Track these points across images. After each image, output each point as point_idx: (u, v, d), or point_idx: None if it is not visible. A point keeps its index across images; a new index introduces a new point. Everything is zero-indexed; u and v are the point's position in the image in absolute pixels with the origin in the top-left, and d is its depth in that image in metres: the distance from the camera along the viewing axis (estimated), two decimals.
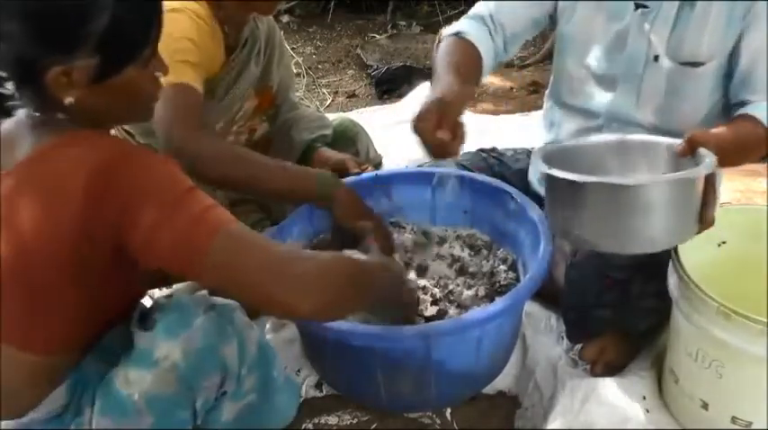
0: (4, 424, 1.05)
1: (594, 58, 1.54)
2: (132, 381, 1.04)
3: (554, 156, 1.27)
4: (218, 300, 1.13)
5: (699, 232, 1.19)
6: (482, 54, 1.54)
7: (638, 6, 1.45)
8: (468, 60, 1.51)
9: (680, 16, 1.42)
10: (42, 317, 1.02)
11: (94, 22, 0.96)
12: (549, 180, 1.23)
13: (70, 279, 1.00)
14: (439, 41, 1.60)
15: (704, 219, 1.16)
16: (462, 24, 1.59)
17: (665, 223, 1.14)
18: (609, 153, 1.35)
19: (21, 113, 1.05)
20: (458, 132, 1.23)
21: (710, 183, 1.15)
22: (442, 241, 1.70)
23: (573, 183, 1.12)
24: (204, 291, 1.15)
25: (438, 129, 1.20)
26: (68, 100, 0.98)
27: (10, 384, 1.04)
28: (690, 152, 1.18)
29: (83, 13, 0.95)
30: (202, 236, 0.95)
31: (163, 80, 1.46)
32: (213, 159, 1.43)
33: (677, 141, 1.22)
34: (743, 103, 1.38)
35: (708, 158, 1.14)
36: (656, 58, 1.45)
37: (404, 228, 1.73)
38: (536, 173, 1.64)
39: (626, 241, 1.15)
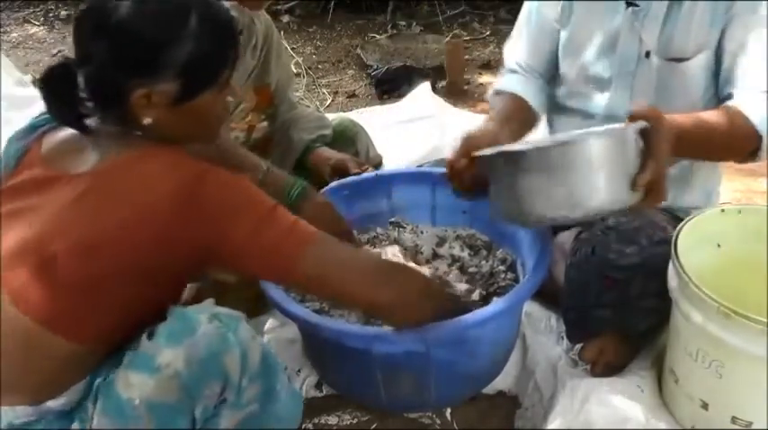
0: (22, 410, 1.05)
1: (588, 59, 1.55)
2: (134, 386, 1.04)
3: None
4: (223, 309, 1.13)
5: (645, 204, 1.15)
6: (523, 95, 1.61)
7: (629, 5, 1.47)
8: (506, 107, 1.59)
9: (669, 13, 1.43)
10: (92, 309, 1.06)
11: (179, 50, 1.05)
12: (489, 168, 1.24)
13: (132, 283, 1.06)
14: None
15: (637, 182, 1.11)
16: (501, 83, 1.68)
17: (588, 185, 1.10)
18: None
19: (70, 130, 1.12)
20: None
21: (650, 151, 1.12)
22: (441, 241, 1.70)
23: (501, 156, 1.17)
24: (210, 300, 1.16)
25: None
26: (147, 120, 1.07)
27: (40, 368, 1.05)
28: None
29: (168, 40, 1.05)
30: (294, 245, 1.08)
31: None
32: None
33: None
34: (728, 97, 1.37)
35: (639, 122, 1.13)
36: (648, 54, 1.46)
37: (404, 227, 1.73)
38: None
39: (549, 206, 1.12)
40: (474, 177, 1.32)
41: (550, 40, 1.62)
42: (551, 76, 1.66)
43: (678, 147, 1.16)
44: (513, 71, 1.67)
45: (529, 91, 1.63)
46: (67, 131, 1.13)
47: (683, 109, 1.35)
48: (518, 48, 1.67)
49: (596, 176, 1.09)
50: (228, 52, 1.12)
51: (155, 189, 1.03)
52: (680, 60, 1.44)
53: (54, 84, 1.09)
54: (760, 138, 1.29)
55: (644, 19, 1.45)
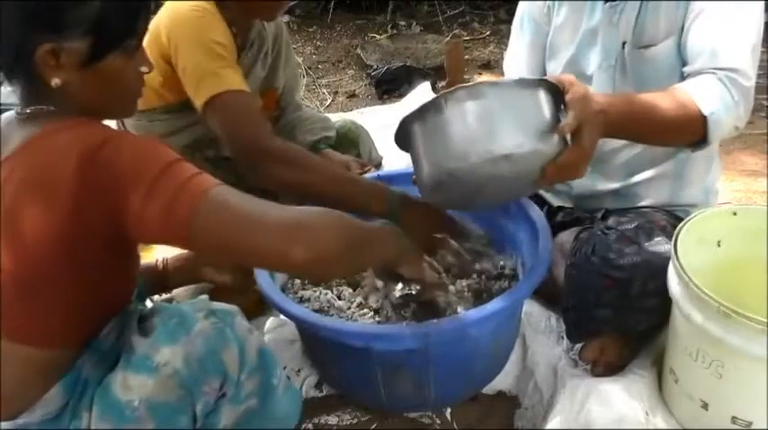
0: (3, 425, 1.05)
1: (572, 56, 1.57)
2: (132, 387, 1.03)
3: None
4: (219, 305, 1.12)
5: (565, 158, 1.15)
6: None
7: (607, 0, 1.48)
8: None
9: (643, 4, 1.44)
10: (40, 308, 1.02)
11: (86, 7, 1.00)
12: (405, 130, 1.23)
13: (67, 269, 1.00)
14: None
15: (559, 129, 1.13)
16: None
17: (477, 131, 1.11)
18: None
19: (9, 113, 1.07)
20: None
21: (567, 105, 1.14)
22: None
23: (410, 120, 1.18)
24: (204, 296, 1.15)
25: None
26: (55, 81, 1.00)
27: (7, 379, 1.03)
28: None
29: None
30: (186, 203, 0.96)
31: (209, 91, 1.47)
32: (288, 162, 1.43)
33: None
34: (683, 77, 1.37)
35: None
36: (624, 44, 1.48)
37: None
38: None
39: (452, 155, 1.13)
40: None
41: (542, 51, 1.64)
42: None
43: (620, 127, 1.18)
44: None
45: None
46: None
47: None
48: (515, 59, 1.69)
49: (490, 121, 1.11)
50: (138, 13, 1.07)
51: (63, 162, 0.97)
52: (648, 47, 1.44)
53: None
54: (704, 118, 1.27)
55: (621, 12, 1.46)
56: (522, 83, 1.16)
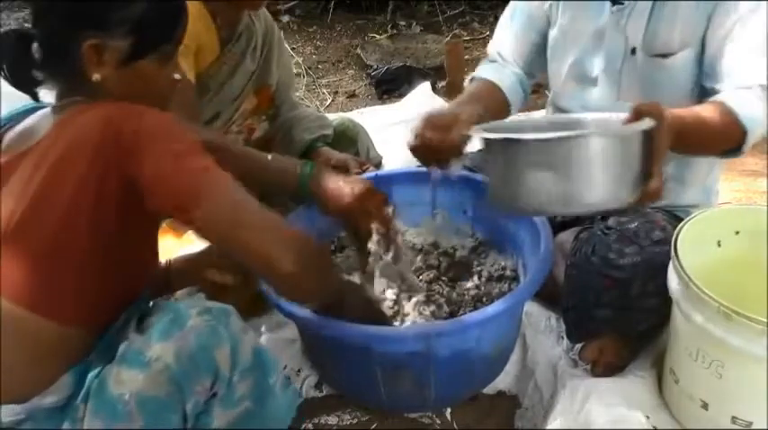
0: (10, 409, 1.05)
1: (576, 58, 1.56)
2: (124, 381, 1.04)
3: (497, 129, 1.26)
4: (214, 303, 1.13)
5: (639, 204, 1.15)
6: (496, 82, 1.64)
7: (614, 3, 1.48)
8: (477, 90, 1.64)
9: (654, 9, 1.44)
10: (63, 282, 1.06)
11: (132, 8, 1.09)
12: (485, 150, 1.23)
13: (88, 239, 1.05)
14: None
15: (645, 190, 1.12)
16: (477, 71, 1.71)
17: (590, 181, 1.08)
18: (554, 128, 1.29)
19: (44, 110, 1.14)
20: (451, 143, 1.33)
21: (653, 151, 1.12)
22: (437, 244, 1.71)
23: (500, 143, 1.15)
24: (201, 294, 1.15)
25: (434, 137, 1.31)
26: (96, 76, 1.09)
27: (19, 354, 1.05)
28: (635, 121, 1.14)
29: None
30: (202, 185, 1.04)
31: None
32: (208, 148, 1.43)
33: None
34: (713, 92, 1.37)
35: (645, 121, 1.11)
36: (633, 50, 1.47)
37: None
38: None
39: (548, 200, 1.11)
40: (441, 152, 1.36)
41: (537, 31, 1.64)
42: (533, 69, 1.69)
43: (675, 143, 1.16)
44: (493, 61, 1.70)
45: (504, 79, 1.65)
46: (26, 121, 1.15)
47: (670, 103, 1.36)
48: (501, 38, 1.70)
49: (597, 173, 1.08)
50: (178, 20, 1.16)
51: (85, 130, 1.05)
52: (665, 56, 1.44)
53: (7, 47, 1.11)
54: (744, 134, 1.29)
55: (629, 16, 1.46)
56: (628, 132, 1.12)
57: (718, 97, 1.33)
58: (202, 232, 1.14)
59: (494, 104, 1.61)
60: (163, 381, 1.04)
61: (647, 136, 1.11)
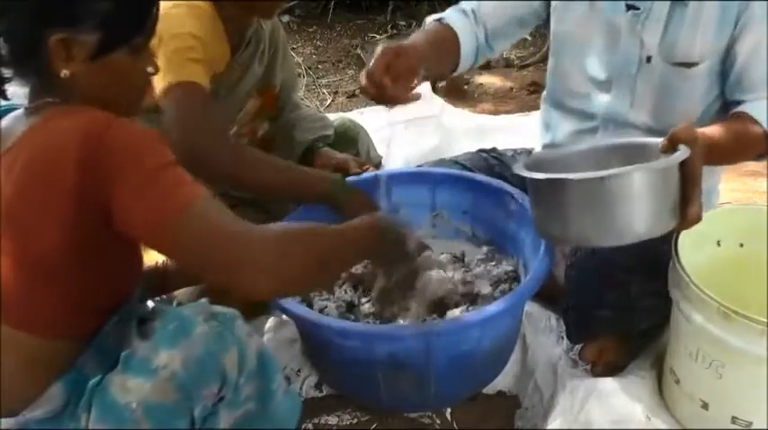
0: (3, 423, 1.04)
1: (589, 59, 1.55)
2: (130, 389, 1.03)
3: (541, 162, 1.30)
4: (219, 308, 1.12)
5: (682, 228, 1.19)
6: (459, 37, 1.58)
7: (629, 8, 1.45)
8: (439, 33, 1.58)
9: (672, 17, 1.42)
10: (45, 295, 1.03)
11: (98, 1, 1.04)
12: (530, 184, 1.26)
13: (71, 253, 1.02)
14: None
15: (686, 215, 1.14)
16: (445, 13, 1.64)
17: (636, 214, 1.13)
18: (597, 157, 1.35)
19: (18, 112, 1.10)
20: (404, 79, 1.33)
21: (690, 177, 1.13)
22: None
23: (545, 181, 1.19)
24: (205, 300, 1.15)
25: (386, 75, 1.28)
26: (64, 72, 1.03)
27: (8, 369, 1.03)
28: (671, 148, 1.16)
29: None
30: (171, 211, 0.98)
31: (171, 78, 1.47)
32: (230, 160, 1.45)
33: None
34: (738, 103, 1.38)
35: (680, 150, 1.14)
36: (649, 59, 1.46)
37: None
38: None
39: (597, 234, 1.16)
40: (394, 89, 1.34)
41: (525, 11, 1.61)
42: (497, 42, 1.65)
43: (705, 161, 1.17)
44: (463, 11, 1.63)
45: (466, 34, 1.60)
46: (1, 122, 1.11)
47: (684, 112, 1.37)
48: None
49: (641, 207, 1.13)
50: (148, 11, 1.11)
51: (65, 145, 1.00)
52: (687, 65, 1.43)
53: None
54: None
55: (645, 22, 1.44)
56: (666, 165, 1.14)
57: (742, 109, 1.34)
58: (175, 258, 1.12)
59: (448, 52, 1.58)
60: (171, 389, 1.03)
61: (683, 161, 1.14)
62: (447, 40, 1.58)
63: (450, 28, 1.58)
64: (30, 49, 1.04)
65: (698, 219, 1.16)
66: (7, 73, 1.08)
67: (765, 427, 1.21)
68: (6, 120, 1.10)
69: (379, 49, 1.34)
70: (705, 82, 1.44)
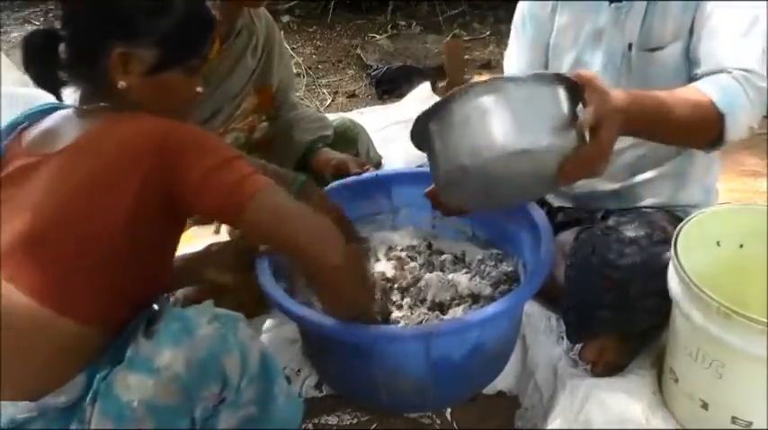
0: (24, 406, 1.04)
1: (575, 57, 1.56)
2: (132, 388, 1.04)
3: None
4: (222, 310, 1.13)
5: (583, 151, 1.11)
6: None
7: (612, 1, 1.47)
8: None
9: (649, 5, 1.44)
10: (86, 282, 1.08)
11: (163, 20, 1.12)
12: (420, 127, 1.20)
13: (123, 247, 1.08)
14: None
15: (578, 124, 1.10)
16: None
17: (498, 126, 1.08)
18: None
19: (67, 110, 1.17)
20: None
21: (586, 101, 1.11)
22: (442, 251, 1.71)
23: (425, 116, 1.16)
24: (209, 301, 1.15)
25: None
26: (121, 83, 1.11)
27: (43, 354, 1.05)
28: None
29: (156, 8, 1.12)
30: (247, 190, 1.08)
31: None
32: None
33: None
34: (693, 78, 1.35)
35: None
36: (630, 46, 1.47)
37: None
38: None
39: (469, 151, 1.10)
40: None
41: (548, 41, 1.62)
42: None
43: (638, 124, 1.15)
44: None
45: None
46: (47, 121, 1.17)
47: None
48: (518, 55, 1.67)
49: (507, 116, 1.07)
50: (207, 35, 1.19)
51: (127, 144, 1.08)
52: (655, 50, 1.44)
53: (34, 46, 1.14)
54: (721, 116, 1.24)
55: (627, 14, 1.46)
56: (539, 78, 1.13)
57: (694, 83, 1.30)
58: (249, 233, 1.20)
59: None
60: (172, 389, 1.04)
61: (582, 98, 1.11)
62: None
63: None
64: (91, 58, 1.11)
65: (588, 166, 1.12)
66: (64, 76, 1.15)
67: (765, 427, 1.21)
68: (55, 120, 1.16)
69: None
70: (673, 65, 1.43)
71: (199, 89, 1.22)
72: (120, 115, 1.12)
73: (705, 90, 1.26)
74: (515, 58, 1.68)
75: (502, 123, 1.08)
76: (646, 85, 1.43)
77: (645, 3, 1.44)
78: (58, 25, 1.17)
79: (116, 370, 1.06)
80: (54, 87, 1.17)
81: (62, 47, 1.14)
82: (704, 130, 1.27)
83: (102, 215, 1.06)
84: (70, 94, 1.21)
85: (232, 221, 1.17)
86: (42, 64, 1.15)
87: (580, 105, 1.14)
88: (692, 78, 1.36)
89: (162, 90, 1.16)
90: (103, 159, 1.08)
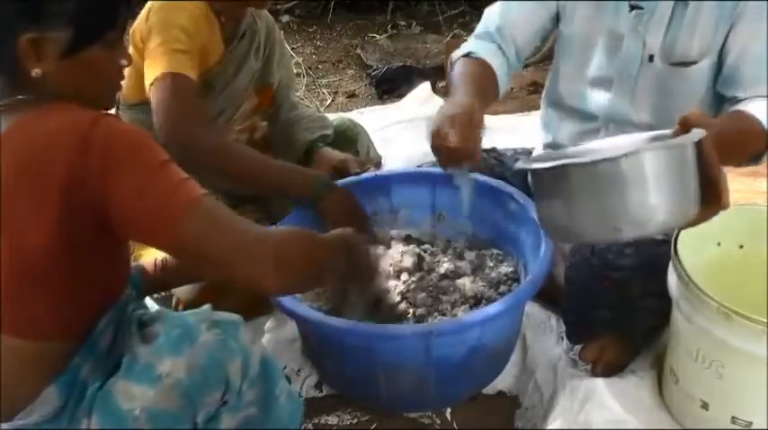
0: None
1: (591, 59, 1.55)
2: (134, 396, 1.02)
3: (543, 161, 1.22)
4: (223, 315, 1.12)
5: (706, 216, 1.08)
6: (495, 69, 1.54)
7: (632, 8, 1.46)
8: (481, 76, 1.51)
9: (674, 16, 1.43)
10: (33, 297, 1.02)
11: None
12: (533, 178, 1.19)
13: (59, 255, 1.00)
14: (450, 65, 1.60)
15: (714, 198, 1.06)
16: (470, 45, 1.59)
17: (651, 200, 1.01)
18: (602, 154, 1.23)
19: None
20: (472, 141, 1.25)
21: (708, 158, 1.07)
22: (446, 247, 1.71)
23: (549, 171, 1.09)
24: (208, 306, 1.14)
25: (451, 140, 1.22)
26: (36, 71, 1.01)
27: (5, 374, 1.02)
28: (683, 132, 1.10)
29: None
30: (176, 208, 0.99)
31: (159, 69, 1.48)
32: (213, 150, 1.47)
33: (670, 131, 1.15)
34: (733, 100, 1.37)
35: (695, 131, 1.07)
36: (651, 58, 1.46)
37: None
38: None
39: (610, 225, 1.04)
40: (460, 154, 1.27)
41: (547, 17, 1.58)
42: (525, 54, 1.62)
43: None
44: (490, 37, 1.59)
45: (499, 62, 1.55)
46: None
47: (684, 110, 1.34)
48: (503, 14, 1.60)
49: (657, 192, 1.01)
50: (119, 5, 1.08)
51: (53, 146, 0.97)
52: (685, 65, 1.43)
53: None
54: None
55: (648, 22, 1.45)
56: (677, 144, 1.07)
57: (741, 107, 1.32)
58: (179, 255, 1.11)
59: (488, 92, 1.53)
60: (174, 396, 1.03)
61: (697, 146, 1.07)
62: (486, 78, 1.53)
63: (483, 61, 1.53)
64: None
65: (725, 204, 1.07)
66: None
67: (765, 427, 1.21)
68: None
69: (442, 119, 1.27)
70: (704, 80, 1.44)
71: (123, 62, 1.11)
72: (40, 110, 1.01)
73: (757, 116, 1.27)
74: (499, 16, 1.59)
75: (661, 197, 1.02)
76: (667, 98, 1.44)
77: (668, 12, 1.42)
78: None
79: (113, 379, 1.05)
80: None
81: None
82: (752, 152, 1.31)
83: (28, 227, 0.97)
84: None
85: (161, 235, 1.01)
86: None
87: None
88: (729, 99, 1.38)
89: (83, 71, 1.05)
90: (21, 165, 0.98)
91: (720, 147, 1.11)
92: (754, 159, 1.34)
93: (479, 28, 1.64)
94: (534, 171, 1.15)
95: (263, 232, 1.07)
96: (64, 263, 1.01)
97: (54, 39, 1.01)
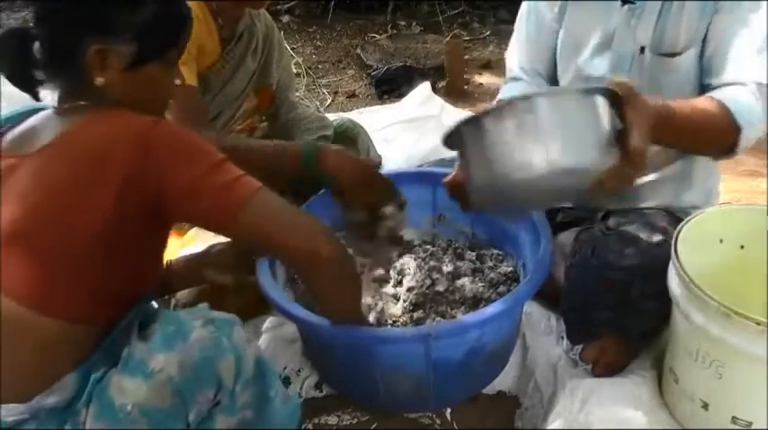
0: (14, 409, 1.03)
1: (584, 58, 1.55)
2: (126, 391, 1.03)
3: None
4: (217, 313, 1.13)
5: (622, 166, 1.09)
6: None
7: (624, 2, 1.47)
8: None
9: (663, 8, 1.43)
10: (69, 280, 1.06)
11: (138, 14, 1.10)
12: (461, 140, 1.19)
13: (104, 244, 1.06)
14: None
15: (625, 148, 1.08)
16: (504, 93, 1.65)
17: (551, 144, 1.06)
18: None
19: (47, 110, 1.15)
20: None
21: (626, 118, 1.09)
22: (447, 247, 1.71)
23: (464, 127, 1.13)
24: (204, 304, 1.15)
25: None
26: (99, 80, 1.09)
27: (24, 354, 1.04)
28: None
29: (131, 1, 1.11)
30: (232, 205, 1.09)
31: None
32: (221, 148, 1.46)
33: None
34: (708, 87, 1.36)
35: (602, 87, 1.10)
36: (642, 50, 1.46)
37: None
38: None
39: (500, 170, 1.09)
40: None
41: (550, 39, 1.62)
42: (553, 76, 1.65)
43: (664, 132, 1.15)
44: (516, 78, 1.65)
45: None
46: (25, 123, 1.15)
47: None
48: (519, 51, 1.66)
49: (552, 134, 1.06)
50: (182, 26, 1.18)
51: (109, 144, 1.06)
52: (671, 55, 1.44)
53: (7, 45, 1.11)
54: (738, 130, 1.26)
55: (639, 16, 1.45)
56: (581, 91, 1.13)
57: (711, 93, 1.32)
58: (240, 240, 1.21)
59: None
60: (166, 393, 1.04)
61: (620, 110, 1.10)
62: None
63: None
64: (67, 56, 1.09)
65: (636, 160, 1.09)
66: (40, 76, 1.13)
67: (765, 427, 1.21)
68: (35, 120, 1.14)
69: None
70: (690, 72, 1.43)
71: (177, 81, 1.21)
72: (100, 113, 1.10)
73: (725, 102, 1.27)
74: (516, 55, 1.67)
75: (551, 141, 1.07)
76: (656, 89, 1.44)
77: (658, 5, 1.43)
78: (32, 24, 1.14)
79: (110, 372, 1.06)
80: (30, 87, 1.15)
81: (37, 46, 1.11)
82: (721, 141, 1.30)
83: (82, 213, 1.05)
84: (47, 94, 1.18)
85: (222, 226, 1.14)
86: (16, 64, 1.12)
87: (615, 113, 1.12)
88: (704, 86, 1.38)
89: (142, 84, 1.14)
90: (83, 157, 1.06)
91: (669, 125, 1.16)
92: (727, 152, 1.30)
93: (507, 75, 1.70)
94: (445, 141, 1.19)
95: (310, 217, 1.20)
96: (108, 249, 1.07)
97: (120, 52, 1.10)
